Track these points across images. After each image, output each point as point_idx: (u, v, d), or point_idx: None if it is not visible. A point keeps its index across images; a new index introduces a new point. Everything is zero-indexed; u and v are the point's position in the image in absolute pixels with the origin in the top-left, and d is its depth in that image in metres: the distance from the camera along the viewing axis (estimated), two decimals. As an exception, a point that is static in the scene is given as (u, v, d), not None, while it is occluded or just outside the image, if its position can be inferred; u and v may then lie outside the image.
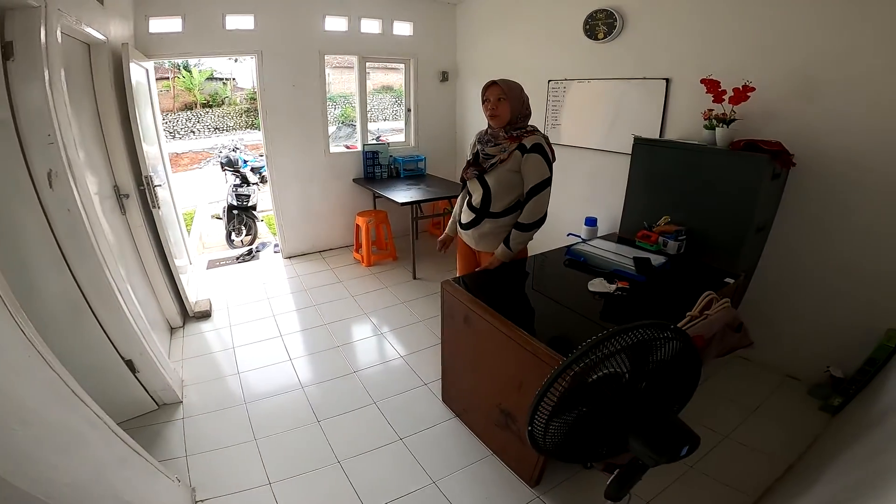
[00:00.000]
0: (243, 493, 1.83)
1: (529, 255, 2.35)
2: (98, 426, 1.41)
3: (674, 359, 1.13)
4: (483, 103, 1.97)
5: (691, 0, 2.65)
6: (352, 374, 2.62)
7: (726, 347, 1.79)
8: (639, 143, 2.75)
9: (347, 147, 4.63)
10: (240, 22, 3.61)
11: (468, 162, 2.12)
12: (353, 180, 4.50)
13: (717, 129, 2.43)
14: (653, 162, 2.71)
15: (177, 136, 13.33)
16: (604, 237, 2.78)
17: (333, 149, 4.41)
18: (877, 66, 2.04)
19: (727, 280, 2.17)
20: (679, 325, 1.66)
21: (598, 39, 3.14)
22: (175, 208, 3.67)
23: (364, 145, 4.45)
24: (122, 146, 2.64)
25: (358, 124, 4.57)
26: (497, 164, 1.95)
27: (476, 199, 2.09)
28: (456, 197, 3.89)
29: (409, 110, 4.73)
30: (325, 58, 4.05)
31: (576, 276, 2.20)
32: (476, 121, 4.63)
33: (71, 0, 1.99)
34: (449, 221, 2.40)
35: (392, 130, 12.22)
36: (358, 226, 4.16)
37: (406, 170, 4.53)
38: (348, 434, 2.16)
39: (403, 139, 4.88)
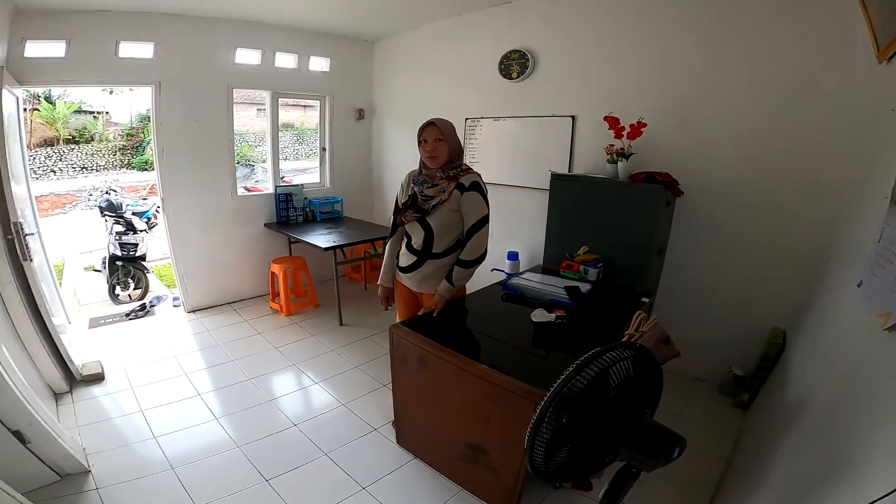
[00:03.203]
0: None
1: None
2: None
3: (640, 372, 1.24)
4: (420, 144, 1.96)
5: (590, 42, 3.02)
6: (292, 428, 2.39)
7: (660, 360, 1.99)
8: (556, 178, 2.99)
9: (248, 189, 4.34)
10: (136, 50, 3.29)
11: (404, 205, 2.07)
12: (265, 225, 4.21)
13: (618, 162, 2.75)
14: (568, 196, 2.95)
15: (33, 175, 11.39)
16: (531, 270, 2.94)
17: (241, 191, 4.12)
18: (733, 104, 2.52)
19: (643, 299, 2.42)
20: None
21: (513, 79, 3.39)
22: (48, 260, 3.12)
23: (277, 187, 4.22)
24: (-15, 187, 2.21)
25: (269, 164, 4.35)
26: (438, 204, 1.96)
27: (417, 241, 2.06)
28: (378, 239, 3.86)
29: (324, 149, 4.61)
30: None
31: (516, 309, 2.29)
32: (394, 160, 4.67)
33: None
34: (381, 273, 2.28)
35: (294, 171, 11.81)
36: (274, 273, 3.88)
37: (322, 212, 4.36)
38: (306, 490, 1.99)
39: (318, 180, 4.71)
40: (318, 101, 4.50)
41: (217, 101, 3.72)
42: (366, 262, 4.44)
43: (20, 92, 2.89)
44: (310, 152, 16.09)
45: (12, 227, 2.34)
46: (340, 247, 3.56)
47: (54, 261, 4.01)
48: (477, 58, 3.63)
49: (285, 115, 14.20)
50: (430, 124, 1.93)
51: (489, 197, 2.03)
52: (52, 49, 3.00)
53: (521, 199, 3.52)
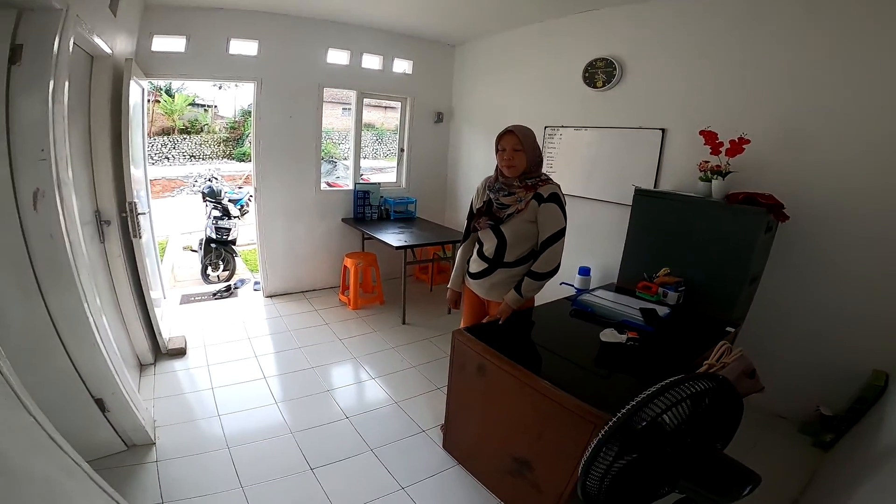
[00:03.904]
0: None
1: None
2: (76, 475, 1.23)
3: (718, 404, 1.16)
4: (497, 152, 1.93)
5: (685, 51, 2.79)
6: (344, 420, 2.45)
7: (742, 393, 1.82)
8: (640, 194, 2.80)
9: (329, 184, 4.54)
10: (243, 47, 3.60)
11: (479, 210, 2.05)
12: (342, 220, 4.39)
13: (713, 181, 2.51)
14: (652, 213, 2.75)
15: (150, 160, 12.97)
16: (603, 287, 2.78)
17: (323, 186, 4.32)
18: (853, 124, 2.22)
19: (728, 329, 2.21)
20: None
21: (597, 87, 3.23)
22: (154, 238, 3.47)
23: (356, 184, 4.39)
24: (109, 168, 2.49)
25: (351, 162, 4.53)
26: (514, 214, 1.92)
27: (489, 248, 2.03)
28: (448, 242, 3.90)
29: (402, 150, 4.72)
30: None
31: (584, 326, 2.19)
32: (469, 166, 4.67)
33: (89, 7, 1.91)
34: (452, 275, 2.29)
35: (372, 169, 12.29)
36: (346, 267, 4.03)
37: (396, 212, 4.46)
38: (346, 483, 2.01)
39: (395, 180, 4.83)
40: (400, 103, 4.61)
41: (309, 98, 3.94)
42: (434, 265, 4.48)
43: (146, 84, 3.24)
44: (387, 152, 16.68)
45: (127, 206, 2.62)
46: (411, 247, 3.61)
47: (159, 238, 4.49)
48: (559, 65, 3.52)
49: (367, 116, 14.77)
50: (509, 132, 1.88)
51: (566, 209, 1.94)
52: (174, 44, 3.34)
53: (597, 213, 3.35)
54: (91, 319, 1.77)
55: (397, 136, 4.79)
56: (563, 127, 3.53)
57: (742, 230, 2.35)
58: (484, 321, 2.08)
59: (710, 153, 2.49)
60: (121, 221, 2.62)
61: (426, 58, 4.48)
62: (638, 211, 2.82)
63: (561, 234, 1.90)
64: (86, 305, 1.74)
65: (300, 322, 3.71)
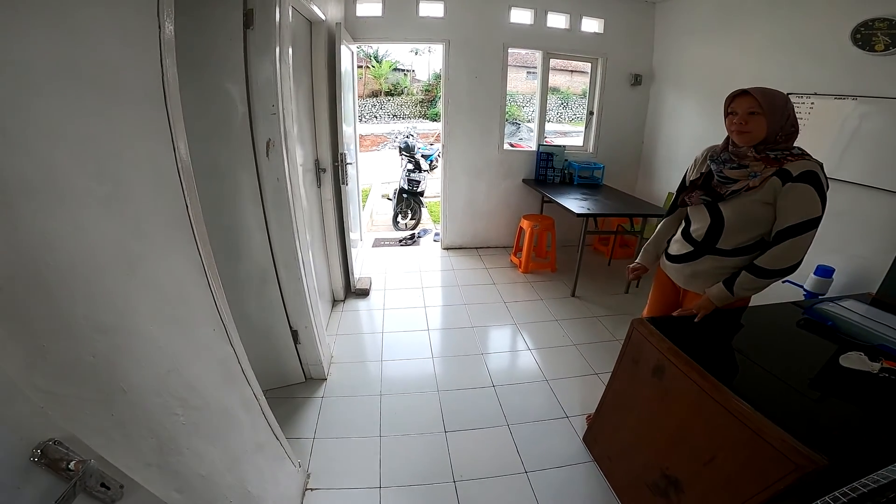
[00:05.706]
0: (351, 492, 1.79)
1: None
2: (252, 408, 1.36)
3: None
4: (727, 116, 1.55)
5: None
6: (489, 388, 2.43)
7: None
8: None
9: (511, 145, 4.44)
10: (431, 9, 3.72)
11: (692, 183, 1.71)
12: (523, 181, 4.33)
13: None
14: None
15: (362, 119, 15.07)
16: (853, 297, 2.08)
17: (506, 146, 4.29)
18: None
19: None
20: None
21: (876, 51, 2.42)
22: (358, 186, 3.94)
23: (540, 146, 4.24)
24: (326, 124, 2.86)
25: (535, 123, 4.37)
26: (742, 191, 1.52)
27: (698, 229, 1.68)
28: (637, 216, 3.48)
29: (591, 113, 4.35)
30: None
31: (813, 342, 1.66)
32: (672, 134, 4.07)
33: (301, -25, 2.11)
34: (643, 248, 1.99)
35: (556, 133, 11.82)
36: (522, 229, 3.97)
37: (581, 177, 4.16)
38: (472, 453, 1.98)
39: (581, 144, 4.51)
40: (590, 64, 4.24)
41: (493, 59, 3.90)
42: (616, 237, 4.12)
43: (354, 48, 3.61)
44: (573, 116, 16.11)
45: (339, 156, 2.99)
46: (594, 216, 3.32)
47: (363, 186, 5.13)
48: (810, 22, 2.76)
49: (552, 79, 14.45)
50: (743, 93, 1.47)
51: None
52: (373, 9, 3.64)
53: (858, 201, 2.53)
54: (299, 255, 2.05)
55: (585, 100, 4.42)
56: (815, 95, 2.73)
57: None
58: (675, 314, 1.75)
59: None
60: (333, 170, 3.01)
61: (620, 16, 4.02)
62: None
63: (812, 224, 1.45)
64: (297, 242, 2.02)
65: (470, 278, 3.82)
